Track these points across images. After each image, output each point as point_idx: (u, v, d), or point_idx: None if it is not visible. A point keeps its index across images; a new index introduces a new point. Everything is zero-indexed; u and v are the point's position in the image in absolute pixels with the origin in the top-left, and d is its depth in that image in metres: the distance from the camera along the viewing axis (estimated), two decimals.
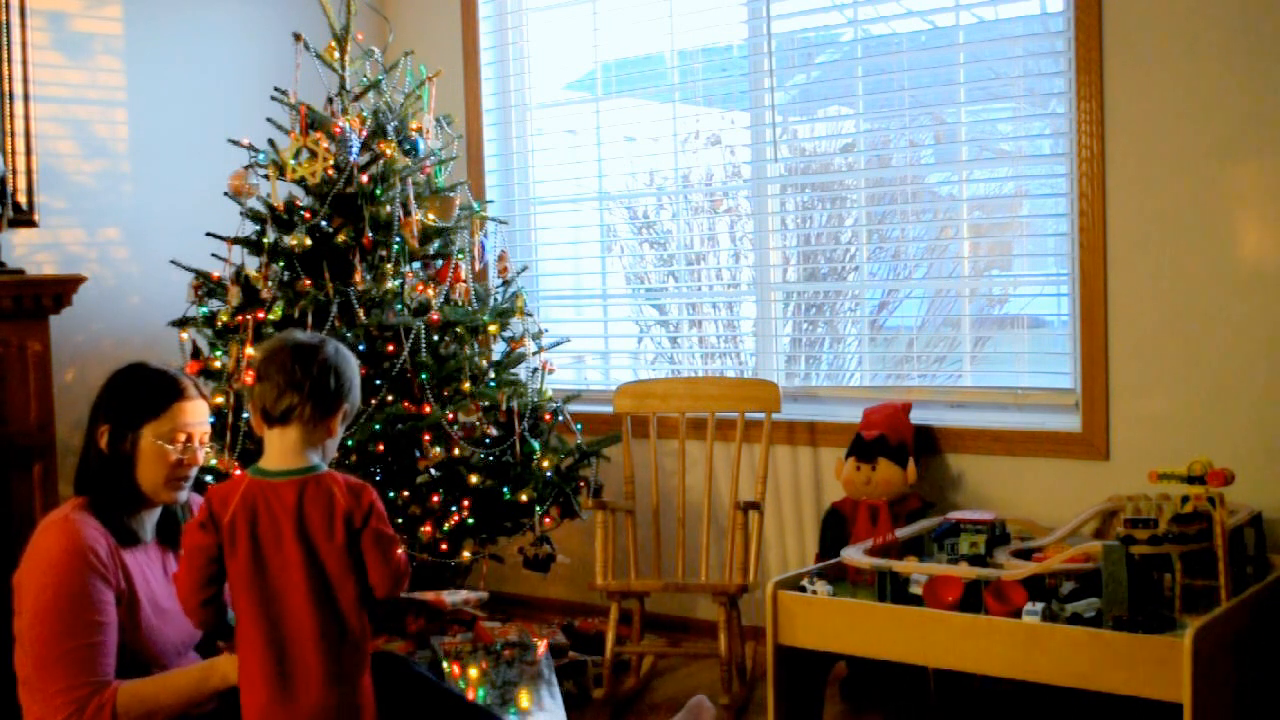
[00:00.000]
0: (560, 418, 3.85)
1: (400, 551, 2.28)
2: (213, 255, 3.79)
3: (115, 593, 2.38)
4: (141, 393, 2.48)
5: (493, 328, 3.76)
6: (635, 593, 3.69)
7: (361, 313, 3.56)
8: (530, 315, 3.93)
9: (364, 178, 3.65)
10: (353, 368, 2.35)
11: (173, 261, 3.79)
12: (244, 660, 2.24)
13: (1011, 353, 3.84)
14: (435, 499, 3.57)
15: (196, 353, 3.70)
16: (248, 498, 2.23)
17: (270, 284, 3.58)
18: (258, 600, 2.21)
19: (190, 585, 2.26)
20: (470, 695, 3.16)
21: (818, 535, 3.71)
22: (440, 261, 3.84)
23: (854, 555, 3.12)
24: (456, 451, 3.58)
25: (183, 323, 3.73)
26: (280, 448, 2.27)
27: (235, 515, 2.22)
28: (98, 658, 2.32)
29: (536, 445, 3.74)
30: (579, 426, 3.98)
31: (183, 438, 2.47)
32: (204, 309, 3.71)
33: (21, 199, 3.83)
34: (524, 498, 3.67)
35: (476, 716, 2.61)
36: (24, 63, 3.83)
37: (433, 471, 3.59)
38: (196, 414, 2.51)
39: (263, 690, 2.21)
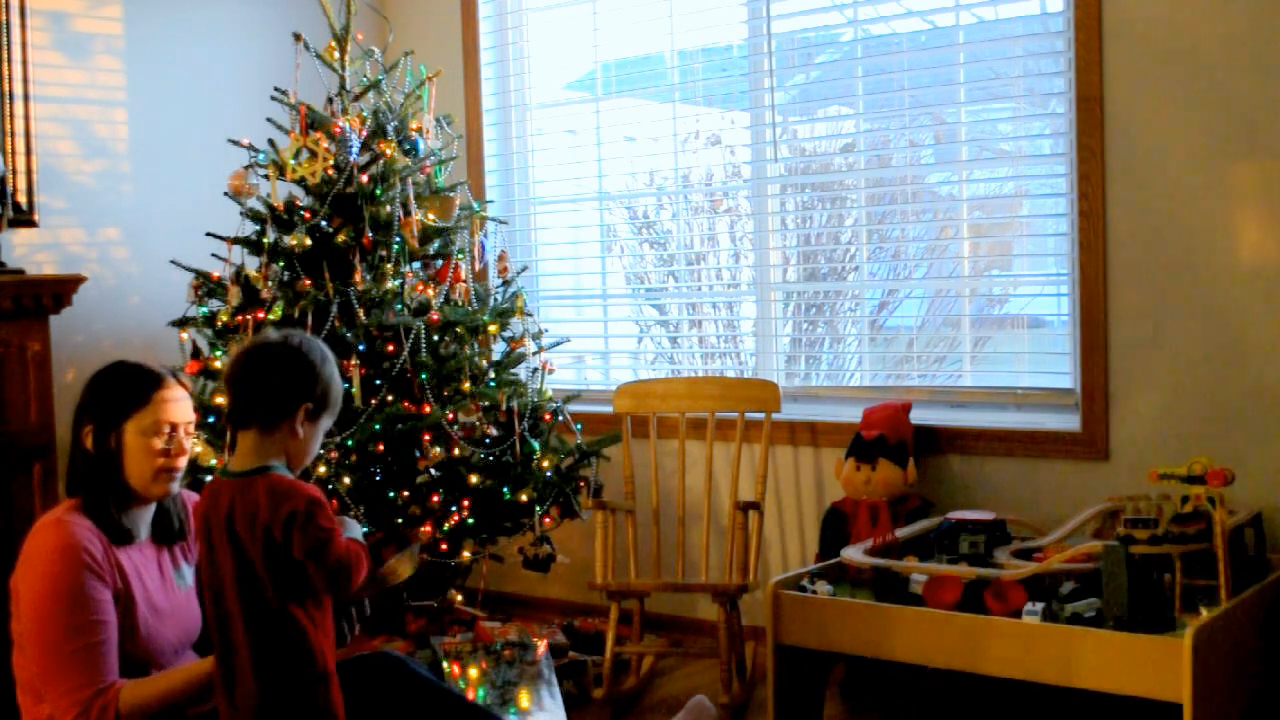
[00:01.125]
0: (560, 418, 3.85)
1: (337, 549, 2.18)
2: (213, 255, 3.79)
3: (112, 591, 2.38)
4: (121, 388, 2.46)
5: (493, 328, 3.76)
6: (635, 592, 3.69)
7: (361, 313, 3.56)
8: (530, 315, 3.93)
9: (364, 178, 3.65)
10: (315, 366, 2.26)
11: (173, 261, 3.79)
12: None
13: (1011, 353, 3.84)
14: (435, 499, 3.57)
15: (196, 353, 3.70)
16: (205, 498, 2.25)
17: (270, 284, 3.58)
18: (210, 598, 2.25)
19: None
20: (470, 695, 3.16)
21: (818, 535, 3.71)
22: (440, 261, 3.84)
23: (854, 555, 3.13)
24: (456, 451, 3.58)
25: (183, 323, 3.73)
26: (241, 449, 2.26)
27: (197, 514, 2.27)
28: (100, 658, 2.32)
29: (536, 445, 3.74)
30: (579, 426, 3.98)
31: (167, 429, 2.46)
32: (204, 309, 3.71)
33: (21, 199, 3.83)
34: (524, 498, 3.67)
35: (476, 716, 2.61)
36: (24, 63, 3.83)
37: (433, 471, 3.59)
38: (178, 404, 2.50)
39: (217, 684, 2.25)
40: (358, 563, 2.21)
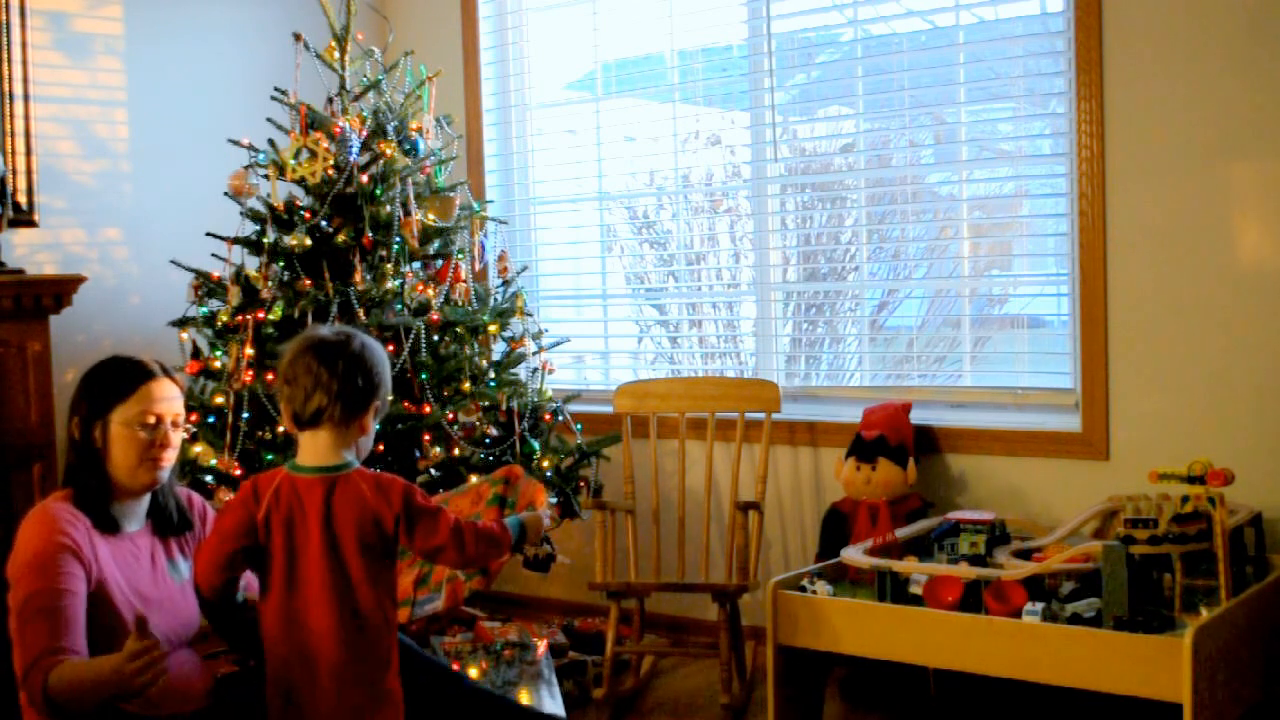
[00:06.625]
0: (560, 418, 3.85)
1: (448, 524, 2.28)
2: (213, 255, 3.79)
3: (85, 572, 2.36)
4: (108, 380, 2.48)
5: (493, 328, 3.76)
6: (635, 592, 3.69)
7: (361, 313, 3.56)
8: (530, 315, 3.93)
9: (364, 178, 3.65)
10: (380, 361, 2.34)
11: (173, 261, 3.79)
12: (269, 647, 2.29)
13: (1011, 353, 3.84)
14: (436, 499, 3.57)
15: (196, 353, 3.70)
16: (281, 492, 2.26)
17: (270, 284, 3.58)
18: (284, 593, 2.26)
19: (212, 563, 2.30)
20: None
21: (818, 535, 3.71)
22: (440, 261, 3.84)
23: (854, 555, 3.12)
24: (456, 451, 3.58)
25: (183, 323, 3.74)
26: (313, 447, 2.29)
27: (269, 508, 2.26)
28: (55, 624, 2.27)
29: (536, 445, 3.74)
30: (579, 426, 3.98)
31: (152, 420, 2.46)
32: (204, 309, 3.71)
33: (21, 199, 3.83)
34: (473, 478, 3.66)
35: (479, 697, 2.62)
36: (24, 63, 3.84)
37: (433, 471, 3.59)
38: (165, 395, 2.50)
39: (282, 678, 2.27)
40: (459, 528, 2.29)
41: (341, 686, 2.23)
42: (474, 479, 3.44)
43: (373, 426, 2.34)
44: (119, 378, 2.48)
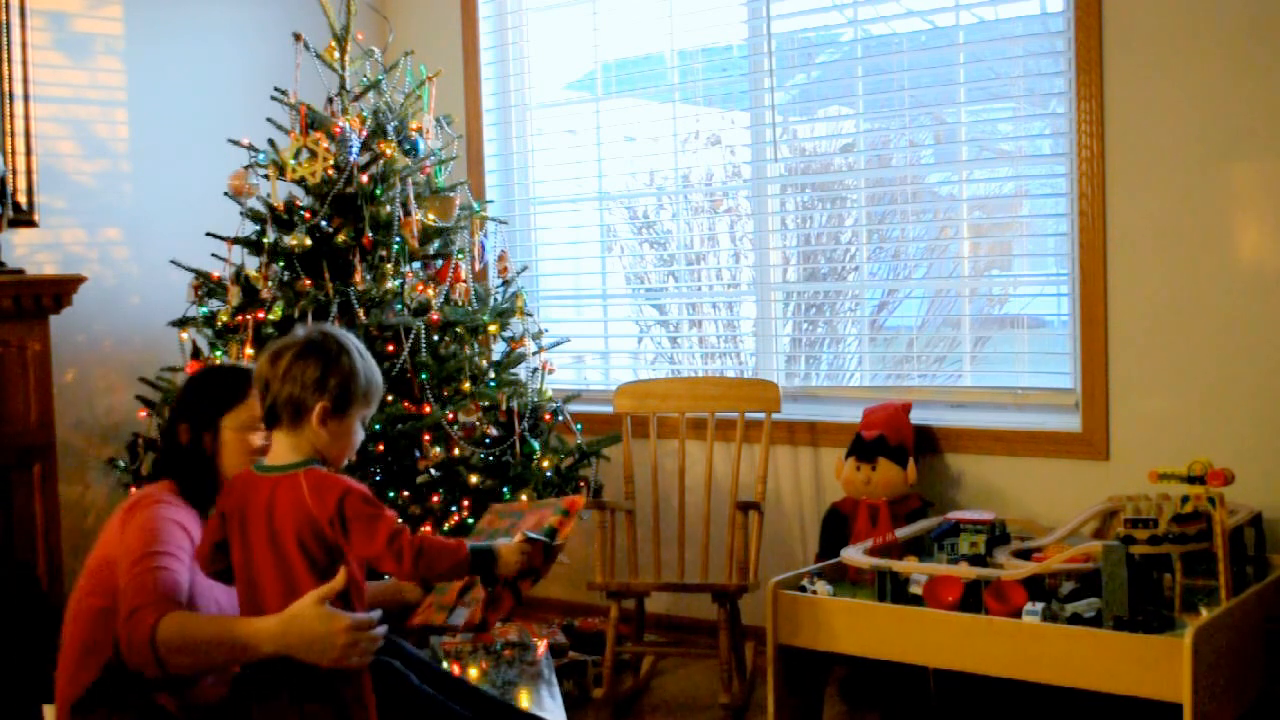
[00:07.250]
0: (560, 418, 3.85)
1: (387, 531, 2.18)
2: (213, 255, 3.80)
3: (190, 556, 2.37)
4: (215, 390, 2.56)
5: (493, 328, 3.76)
6: (635, 592, 3.69)
7: (361, 313, 3.56)
8: (530, 315, 3.93)
9: (364, 178, 3.65)
10: (328, 363, 2.26)
11: (173, 261, 3.79)
12: None
13: (1011, 353, 3.84)
14: (435, 499, 3.57)
15: (196, 353, 3.70)
16: (240, 490, 2.28)
17: (270, 284, 3.58)
18: (243, 588, 2.27)
19: (200, 557, 2.34)
20: None
21: (818, 535, 3.71)
22: (440, 261, 3.84)
23: (854, 555, 3.12)
24: (456, 451, 3.58)
25: (183, 323, 3.74)
26: (276, 446, 2.31)
27: (229, 505, 2.28)
28: (153, 581, 2.26)
29: (536, 445, 3.74)
30: (579, 426, 3.98)
31: (262, 424, 2.51)
32: (204, 309, 3.71)
33: (21, 199, 3.83)
34: (524, 498, 3.67)
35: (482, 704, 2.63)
36: (24, 63, 3.84)
37: (433, 471, 3.59)
38: None
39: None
40: (403, 542, 2.19)
41: (293, 683, 2.21)
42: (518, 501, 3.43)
43: (334, 429, 2.27)
44: (227, 386, 2.55)
